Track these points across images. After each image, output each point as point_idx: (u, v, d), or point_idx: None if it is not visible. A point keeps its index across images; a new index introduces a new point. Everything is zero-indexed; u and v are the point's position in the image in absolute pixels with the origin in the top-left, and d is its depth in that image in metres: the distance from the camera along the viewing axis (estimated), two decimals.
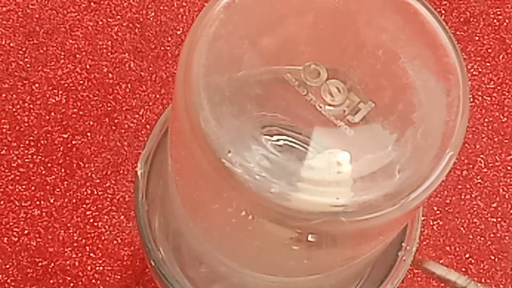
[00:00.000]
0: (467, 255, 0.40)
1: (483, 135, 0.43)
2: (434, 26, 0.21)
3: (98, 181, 0.40)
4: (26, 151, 0.40)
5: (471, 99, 0.44)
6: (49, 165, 0.40)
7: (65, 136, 0.41)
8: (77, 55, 0.42)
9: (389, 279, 0.27)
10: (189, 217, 0.24)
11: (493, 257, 0.40)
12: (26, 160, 0.40)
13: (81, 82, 0.42)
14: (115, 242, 0.39)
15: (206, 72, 0.19)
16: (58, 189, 0.40)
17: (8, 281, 0.38)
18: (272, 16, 0.21)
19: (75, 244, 0.39)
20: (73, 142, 0.41)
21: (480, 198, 0.41)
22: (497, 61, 0.45)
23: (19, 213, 0.39)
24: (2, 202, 0.39)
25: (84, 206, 0.40)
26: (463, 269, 0.40)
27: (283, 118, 0.20)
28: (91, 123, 0.41)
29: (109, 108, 0.42)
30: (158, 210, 0.28)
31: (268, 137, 0.19)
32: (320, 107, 0.20)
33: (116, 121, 0.41)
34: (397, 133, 0.20)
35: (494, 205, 0.41)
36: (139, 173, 0.28)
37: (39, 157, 0.40)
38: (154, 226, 0.28)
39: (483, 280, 0.40)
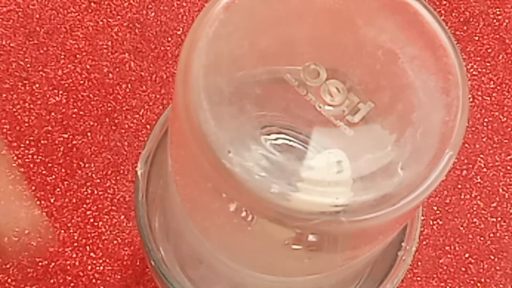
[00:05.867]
0: (467, 255, 0.40)
1: (483, 135, 0.43)
2: (434, 26, 0.21)
3: (98, 181, 0.40)
4: (26, 151, 0.40)
5: (471, 99, 0.44)
6: (49, 165, 0.40)
7: (66, 136, 0.41)
8: (77, 55, 0.43)
9: (388, 279, 0.27)
10: (189, 217, 0.24)
11: (492, 257, 0.40)
12: (26, 160, 0.40)
13: (81, 82, 0.42)
14: (115, 242, 0.39)
15: (205, 72, 0.19)
16: (58, 189, 0.40)
17: (9, 280, 0.38)
18: (271, 17, 0.21)
19: (75, 244, 0.39)
20: (74, 142, 0.41)
21: (480, 198, 0.42)
22: (497, 61, 0.45)
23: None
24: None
25: (85, 206, 0.40)
26: (463, 269, 0.40)
27: (283, 118, 0.20)
28: (91, 123, 0.41)
29: (109, 108, 0.42)
30: (158, 210, 0.28)
31: (267, 137, 0.19)
32: (320, 107, 0.20)
33: (116, 121, 0.41)
34: (396, 133, 0.20)
35: (494, 204, 0.41)
36: (139, 173, 0.28)
37: (40, 157, 0.40)
38: (154, 226, 0.28)
39: (482, 280, 0.40)
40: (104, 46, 0.43)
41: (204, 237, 0.24)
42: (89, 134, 0.41)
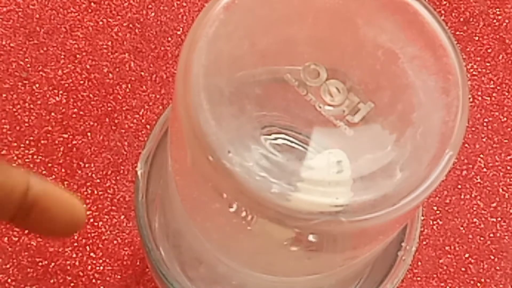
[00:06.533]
0: (467, 255, 0.40)
1: (483, 135, 0.43)
2: (434, 26, 0.21)
3: (98, 181, 0.40)
4: (26, 151, 0.40)
5: (471, 99, 0.44)
6: (49, 165, 0.40)
7: (66, 136, 0.41)
8: (77, 55, 0.43)
9: (388, 278, 0.27)
10: (189, 217, 0.24)
11: (492, 257, 0.40)
12: (27, 160, 0.40)
13: (81, 82, 0.42)
14: (115, 242, 0.39)
15: (205, 72, 0.19)
16: None
17: (9, 280, 0.38)
18: (271, 17, 0.21)
19: (75, 244, 0.39)
20: (74, 142, 0.41)
21: (480, 198, 0.42)
22: (497, 61, 0.45)
23: None
24: None
25: (84, 206, 0.40)
26: (463, 269, 0.40)
27: (283, 118, 0.20)
28: (91, 123, 0.41)
29: (109, 108, 0.42)
30: (158, 210, 0.28)
31: (267, 137, 0.19)
32: (320, 107, 0.20)
33: (116, 121, 0.41)
34: (396, 133, 0.20)
35: (494, 204, 0.41)
36: (139, 173, 0.28)
37: (40, 157, 0.40)
38: (154, 226, 0.28)
39: (482, 280, 0.40)
40: (104, 46, 0.43)
41: (204, 237, 0.24)
42: (89, 134, 0.41)
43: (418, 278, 0.40)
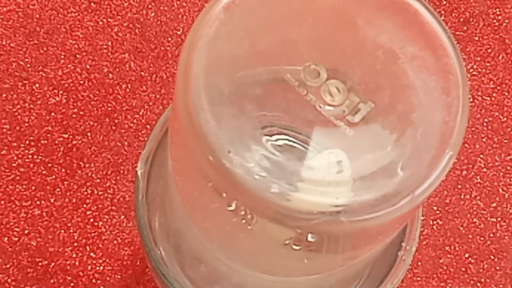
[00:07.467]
0: (467, 255, 0.40)
1: (483, 135, 0.43)
2: (434, 26, 0.21)
3: (98, 181, 0.40)
4: (26, 151, 0.40)
5: (471, 99, 0.44)
6: (49, 165, 0.40)
7: (66, 136, 0.41)
8: (77, 55, 0.43)
9: (388, 279, 0.27)
10: (189, 217, 0.24)
11: (492, 257, 0.40)
12: (27, 160, 0.40)
13: (81, 82, 0.42)
14: (115, 242, 0.39)
15: (206, 72, 0.19)
16: (58, 189, 0.40)
17: (9, 280, 0.38)
18: (272, 17, 0.21)
19: (75, 244, 0.39)
20: (74, 142, 0.41)
21: (480, 198, 0.42)
22: (497, 61, 0.45)
23: (19, 213, 0.39)
24: (2, 202, 0.39)
25: (85, 206, 0.40)
26: (463, 269, 0.40)
27: (283, 118, 0.20)
28: (91, 123, 0.41)
29: (109, 108, 0.42)
30: (158, 210, 0.28)
31: (268, 137, 0.19)
32: (320, 107, 0.20)
33: (116, 121, 0.41)
34: (396, 133, 0.20)
35: (494, 205, 0.41)
36: (139, 173, 0.28)
37: (40, 157, 0.40)
38: (154, 226, 0.28)
39: (482, 280, 0.40)
40: (104, 46, 0.43)
41: (204, 237, 0.24)
42: (89, 134, 0.41)
43: (418, 278, 0.40)
